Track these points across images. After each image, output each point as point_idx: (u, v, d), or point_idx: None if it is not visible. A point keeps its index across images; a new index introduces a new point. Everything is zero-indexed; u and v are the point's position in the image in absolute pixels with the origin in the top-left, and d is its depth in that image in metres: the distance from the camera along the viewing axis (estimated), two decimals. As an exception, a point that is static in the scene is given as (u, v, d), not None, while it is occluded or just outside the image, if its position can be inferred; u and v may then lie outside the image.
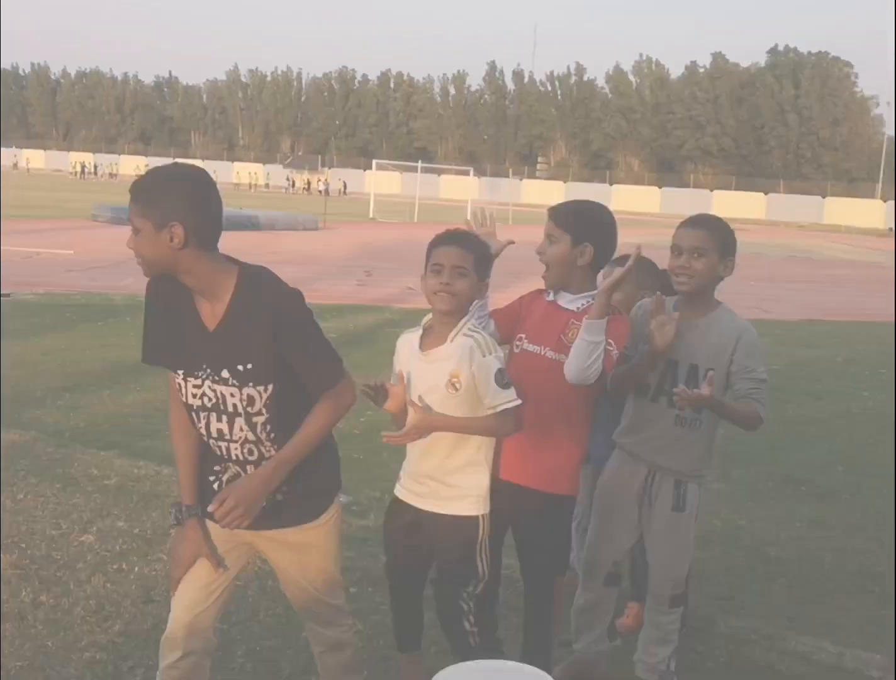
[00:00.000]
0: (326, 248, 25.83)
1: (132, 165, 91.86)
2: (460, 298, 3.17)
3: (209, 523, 2.90)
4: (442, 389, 3.16)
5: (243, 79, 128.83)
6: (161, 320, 2.80)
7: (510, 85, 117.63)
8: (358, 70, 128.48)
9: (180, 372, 2.77)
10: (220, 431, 2.77)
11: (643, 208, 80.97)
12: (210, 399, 2.74)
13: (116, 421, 7.44)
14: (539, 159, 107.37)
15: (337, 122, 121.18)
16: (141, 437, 7.01)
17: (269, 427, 2.76)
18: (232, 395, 2.71)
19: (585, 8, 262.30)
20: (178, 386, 2.80)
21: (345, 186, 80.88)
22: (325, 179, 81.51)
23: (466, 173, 61.65)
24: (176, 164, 2.81)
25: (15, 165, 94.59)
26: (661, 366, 3.51)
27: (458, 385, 3.14)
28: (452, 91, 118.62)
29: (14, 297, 13.91)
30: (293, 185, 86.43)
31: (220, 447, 2.81)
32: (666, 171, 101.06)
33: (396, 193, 67.47)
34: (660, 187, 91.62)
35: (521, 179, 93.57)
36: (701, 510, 6.08)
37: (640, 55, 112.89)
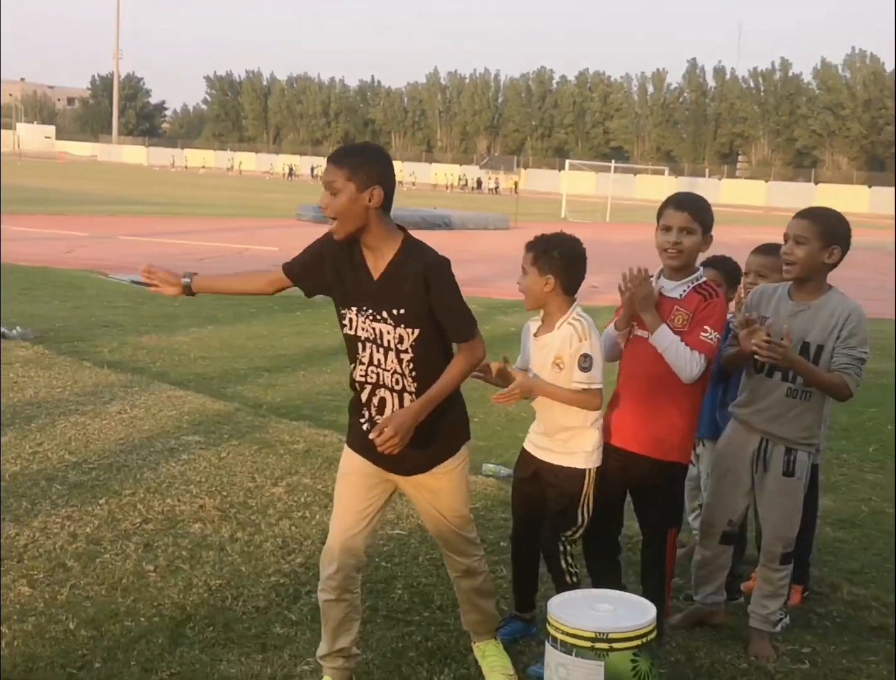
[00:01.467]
0: (515, 248, 26.41)
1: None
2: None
3: (362, 461, 3.52)
4: (549, 368, 3.79)
5: (442, 81, 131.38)
6: (327, 260, 3.41)
7: (711, 82, 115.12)
8: (556, 70, 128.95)
9: (353, 308, 3.39)
10: (378, 360, 3.38)
11: (850, 208, 77.16)
12: (371, 333, 3.37)
13: (307, 397, 8.28)
14: (739, 158, 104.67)
15: (533, 123, 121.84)
16: (328, 411, 7.79)
17: (411, 365, 3.35)
18: (388, 332, 3.33)
19: (791, 2, 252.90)
20: (346, 322, 3.41)
21: (515, 186, 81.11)
22: (496, 179, 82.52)
23: (662, 173, 61.12)
24: (366, 142, 3.55)
25: (230, 168, 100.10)
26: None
27: (561, 365, 3.76)
28: (651, 89, 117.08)
29: (224, 288, 15.16)
30: (478, 185, 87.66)
31: (376, 374, 3.40)
32: (876, 169, 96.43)
33: (590, 194, 67.48)
34: (869, 186, 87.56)
35: (719, 179, 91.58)
36: (851, 496, 6.35)
37: (853, 49, 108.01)
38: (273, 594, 4.41)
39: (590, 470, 3.83)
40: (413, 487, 3.57)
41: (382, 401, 3.43)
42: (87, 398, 7.58)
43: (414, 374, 3.36)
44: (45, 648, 3.83)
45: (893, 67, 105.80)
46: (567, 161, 60.99)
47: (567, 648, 3.09)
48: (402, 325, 3.31)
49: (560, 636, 3.11)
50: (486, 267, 20.78)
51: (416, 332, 3.31)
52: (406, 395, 3.38)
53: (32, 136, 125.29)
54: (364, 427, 3.48)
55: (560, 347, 3.74)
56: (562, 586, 3.81)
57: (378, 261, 3.34)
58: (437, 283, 3.29)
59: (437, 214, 33.37)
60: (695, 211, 3.89)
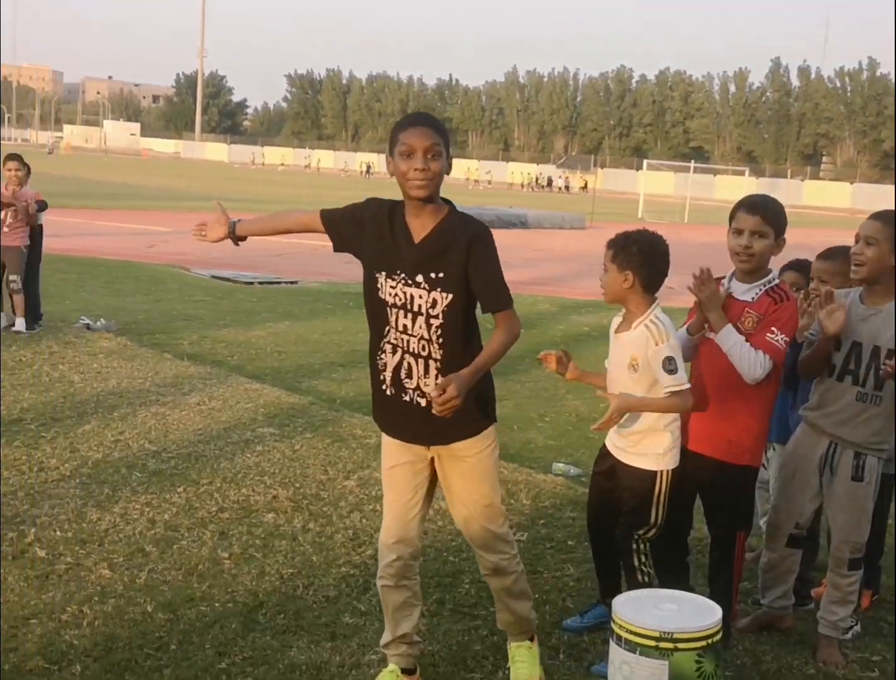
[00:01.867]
0: (591, 247, 26.33)
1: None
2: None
3: (397, 447, 3.56)
4: (624, 368, 3.81)
5: (521, 80, 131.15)
6: (364, 222, 3.48)
7: (795, 82, 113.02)
8: (635, 69, 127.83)
9: (383, 272, 3.43)
10: (405, 325, 3.41)
11: (937, 212, 75.36)
12: (400, 298, 3.40)
13: (381, 393, 8.35)
14: (823, 159, 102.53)
15: (611, 122, 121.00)
16: (401, 407, 7.87)
17: (439, 331, 3.38)
18: (420, 296, 3.37)
19: (879, 1, 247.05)
20: (378, 286, 3.43)
21: (586, 184, 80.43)
22: (566, 177, 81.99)
23: (742, 173, 60.20)
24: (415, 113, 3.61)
25: (308, 166, 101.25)
26: (846, 348, 3.86)
27: (636, 366, 3.77)
28: (732, 89, 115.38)
29: (301, 284, 15.42)
30: (549, 183, 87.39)
31: (402, 339, 3.44)
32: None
33: (668, 194, 66.76)
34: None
35: (802, 180, 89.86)
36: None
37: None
38: (343, 584, 4.50)
39: (661, 472, 3.83)
40: (443, 467, 3.56)
41: (409, 366, 3.44)
42: (167, 389, 7.78)
43: (441, 340, 3.39)
44: (124, 629, 3.97)
45: (894, 68, 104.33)
46: (645, 161, 60.43)
47: (631, 647, 3.11)
48: (438, 289, 3.34)
49: (625, 634, 3.13)
50: (561, 266, 20.74)
51: (450, 297, 3.35)
52: (431, 362, 3.41)
53: (118, 133, 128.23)
54: (387, 392, 3.50)
55: (636, 349, 3.76)
56: (633, 584, 3.85)
57: (423, 226, 3.40)
58: (480, 251, 3.34)
59: (513, 213, 33.35)
60: (767, 214, 3.87)
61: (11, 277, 9.70)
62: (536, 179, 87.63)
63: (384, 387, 3.52)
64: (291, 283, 15.44)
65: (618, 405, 3.72)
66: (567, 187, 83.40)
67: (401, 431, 3.55)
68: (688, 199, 47.04)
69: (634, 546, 3.90)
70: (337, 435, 6.84)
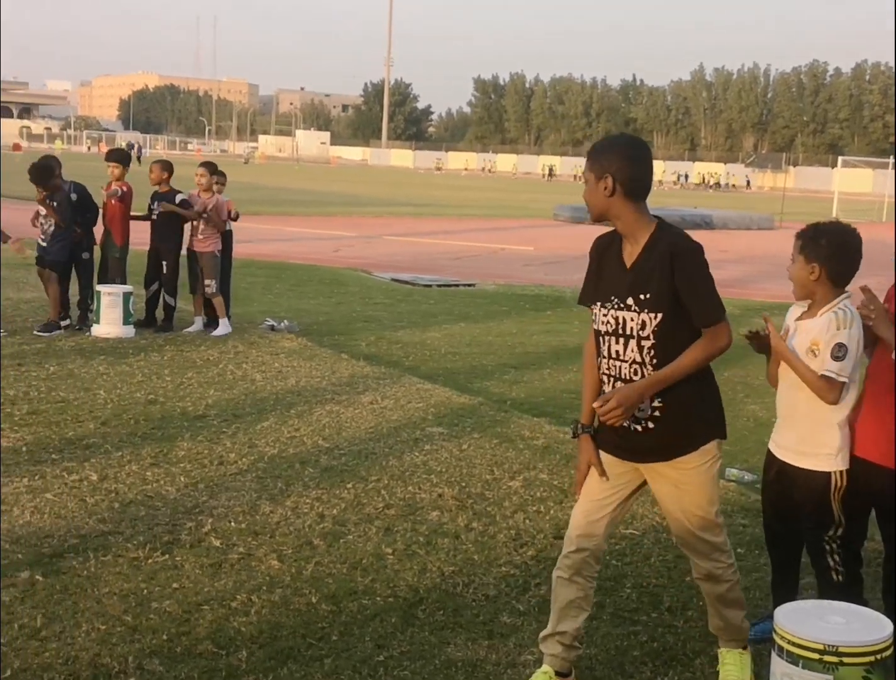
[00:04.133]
0: (779, 248, 25.40)
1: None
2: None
3: (606, 456, 3.53)
4: (804, 354, 3.68)
5: (708, 78, 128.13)
6: (593, 268, 3.53)
7: None
8: (830, 63, 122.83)
9: (598, 303, 3.45)
10: (616, 351, 3.40)
11: None
12: (611, 325, 3.40)
13: (551, 395, 8.34)
14: None
15: (804, 118, 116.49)
16: (571, 410, 7.81)
17: (652, 352, 3.33)
18: (631, 319, 3.34)
19: None
20: (593, 317, 3.48)
21: (748, 183, 77.48)
22: (747, 176, 79.32)
23: (947, 169, 56.73)
24: (622, 133, 3.63)
25: (484, 169, 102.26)
26: None
27: (816, 352, 3.65)
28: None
29: (478, 286, 15.54)
30: (717, 184, 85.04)
31: (615, 366, 3.42)
32: None
33: (866, 191, 63.72)
34: None
35: None
36: None
37: None
38: (503, 584, 4.50)
39: (834, 473, 3.70)
40: (657, 478, 3.51)
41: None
42: (342, 388, 7.99)
43: (655, 361, 3.34)
44: (289, 618, 4.10)
45: (894, 68, 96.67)
46: (840, 158, 57.87)
47: (793, 659, 2.99)
48: (646, 310, 3.32)
49: (787, 646, 3.01)
50: (747, 268, 20.15)
51: (659, 316, 3.30)
52: None
53: (309, 142, 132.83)
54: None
55: (818, 334, 3.66)
56: (826, 584, 3.76)
57: (632, 248, 3.39)
58: (684, 265, 3.29)
59: (698, 214, 32.60)
60: None
61: (206, 282, 10.16)
62: (704, 179, 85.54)
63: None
64: (469, 285, 15.59)
65: (773, 336, 3.70)
66: (748, 184, 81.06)
67: (617, 449, 3.51)
68: (886, 198, 44.71)
69: (827, 548, 3.78)
70: (505, 436, 6.85)
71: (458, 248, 22.24)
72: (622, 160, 3.32)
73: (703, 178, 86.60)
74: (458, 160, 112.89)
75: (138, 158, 53.95)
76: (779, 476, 3.87)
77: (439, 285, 15.34)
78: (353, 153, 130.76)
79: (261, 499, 5.43)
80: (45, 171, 9.78)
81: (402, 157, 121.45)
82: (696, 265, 3.30)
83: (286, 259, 17.78)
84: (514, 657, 3.85)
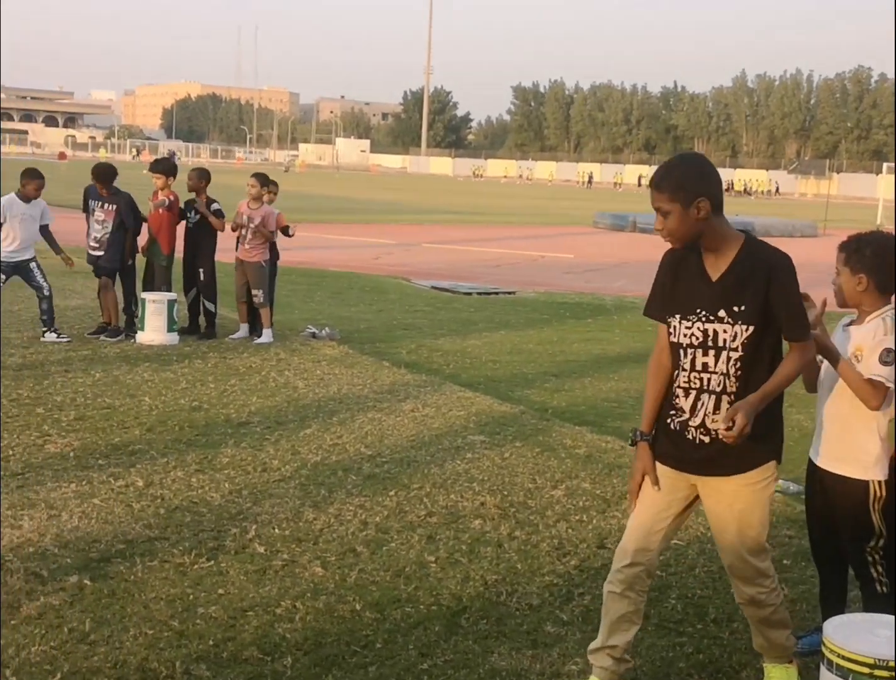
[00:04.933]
0: (822, 256, 25.13)
1: (635, 174, 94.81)
2: None
3: (662, 467, 3.52)
4: (848, 360, 3.66)
5: (750, 84, 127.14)
6: (666, 281, 3.50)
7: None
8: (874, 68, 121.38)
9: (676, 316, 3.43)
10: (704, 364, 3.38)
11: None
12: (698, 338, 3.38)
13: (593, 403, 8.31)
14: None
15: (848, 124, 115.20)
16: (612, 418, 7.79)
17: (738, 364, 3.32)
18: (724, 331, 3.33)
19: None
20: (671, 330, 3.45)
21: (777, 189, 76.66)
22: (776, 181, 78.82)
23: None
24: (680, 154, 3.56)
25: (520, 176, 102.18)
26: None
27: (859, 357, 3.64)
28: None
29: (519, 294, 15.53)
30: (745, 190, 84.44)
31: (699, 379, 3.39)
32: None
33: (911, 198, 62.77)
34: None
35: None
36: None
37: None
38: (546, 593, 4.49)
39: (873, 482, 3.66)
40: (711, 494, 3.49)
41: (701, 405, 3.40)
42: (384, 396, 8.02)
43: (739, 374, 3.33)
44: (333, 625, 4.12)
45: (894, 68, 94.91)
46: (885, 164, 57.14)
47: (843, 673, 2.95)
48: (739, 322, 3.31)
49: (836, 660, 2.97)
50: (789, 276, 19.91)
51: (751, 329, 3.30)
52: (724, 396, 3.36)
53: (349, 150, 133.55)
54: (671, 426, 3.48)
55: (862, 339, 3.66)
56: (871, 596, 3.72)
57: (718, 262, 3.37)
58: (780, 279, 3.29)
59: (739, 221, 32.23)
60: None
61: (254, 292, 10.24)
62: (732, 186, 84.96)
63: (668, 421, 3.51)
64: (509, 293, 15.58)
65: (816, 322, 3.58)
66: (777, 190, 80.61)
67: (674, 460, 3.50)
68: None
69: (870, 558, 3.75)
70: (546, 444, 6.84)
71: (497, 255, 22.24)
72: (707, 179, 3.32)
73: (745, 186, 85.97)
74: (498, 168, 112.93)
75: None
76: (821, 486, 3.84)
77: (479, 293, 15.35)
78: (393, 161, 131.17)
79: (304, 506, 5.46)
80: (110, 171, 10.11)
81: (441, 164, 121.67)
82: (790, 278, 3.31)
83: (327, 266, 17.88)
84: (558, 667, 3.84)
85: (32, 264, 9.67)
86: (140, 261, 10.37)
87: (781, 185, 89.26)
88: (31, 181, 9.58)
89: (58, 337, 9.60)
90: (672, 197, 3.28)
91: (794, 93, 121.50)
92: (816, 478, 3.85)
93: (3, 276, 9.51)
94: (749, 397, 3.25)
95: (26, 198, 9.58)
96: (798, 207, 56.43)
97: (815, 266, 21.70)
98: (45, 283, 9.67)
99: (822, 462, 3.79)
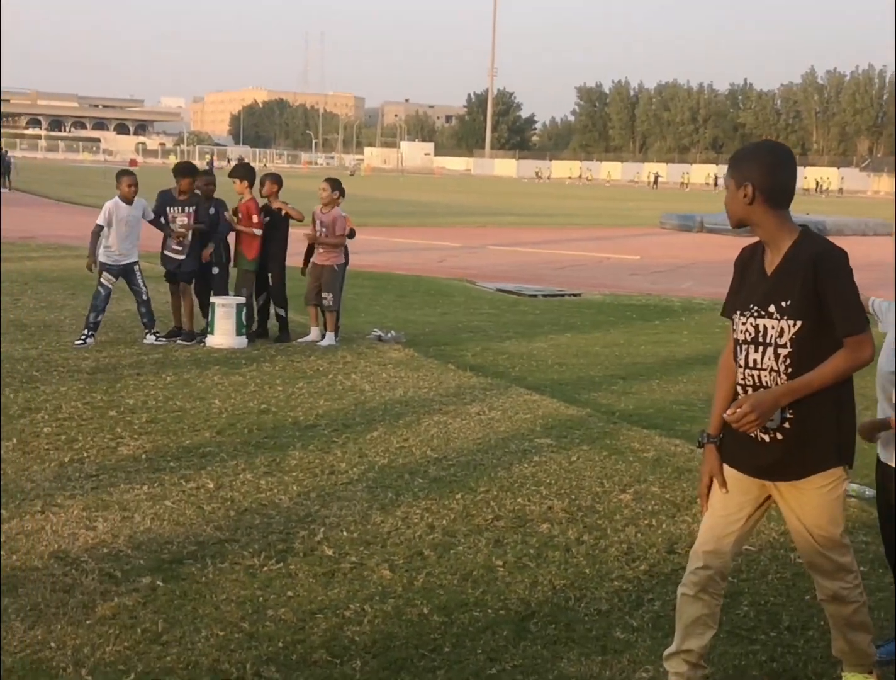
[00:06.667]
0: (896, 254, 24.59)
1: (703, 174, 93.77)
2: None
3: (730, 470, 3.46)
4: None
5: (820, 81, 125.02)
6: (735, 279, 3.49)
7: None
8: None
9: (737, 312, 3.40)
10: (754, 360, 3.33)
11: None
12: (750, 333, 3.34)
13: (661, 406, 8.22)
14: None
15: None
16: (681, 421, 7.70)
17: (788, 360, 3.25)
18: (772, 326, 3.28)
19: None
20: (733, 327, 3.42)
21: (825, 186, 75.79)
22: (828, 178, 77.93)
23: None
24: (766, 140, 3.58)
25: (579, 177, 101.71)
26: None
27: None
28: None
29: (584, 296, 15.44)
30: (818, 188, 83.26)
31: (752, 375, 3.35)
32: None
33: None
34: None
35: None
36: None
37: None
38: (615, 599, 4.44)
39: None
40: (782, 496, 3.43)
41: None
42: (449, 399, 8.02)
43: (790, 371, 3.26)
44: (402, 628, 4.12)
45: (894, 68, 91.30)
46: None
47: (923, 685, 2.88)
48: (786, 317, 3.25)
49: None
50: (862, 275, 19.41)
51: (799, 324, 3.24)
52: None
53: (414, 153, 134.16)
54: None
55: None
56: None
57: (774, 256, 3.35)
58: (827, 271, 3.21)
59: (810, 220, 31.72)
60: None
61: (324, 294, 10.29)
62: (818, 185, 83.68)
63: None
64: (574, 295, 15.49)
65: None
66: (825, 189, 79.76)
67: (743, 465, 3.44)
68: None
69: None
70: (614, 448, 6.78)
71: (562, 257, 22.15)
72: (763, 168, 3.29)
73: (817, 184, 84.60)
74: (562, 169, 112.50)
75: (210, 169, 55.19)
76: (885, 484, 3.75)
77: (545, 295, 15.29)
78: (457, 163, 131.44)
79: (371, 508, 5.48)
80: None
81: (505, 166, 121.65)
82: (840, 271, 3.22)
83: (392, 270, 17.95)
84: (628, 674, 3.80)
85: (136, 267, 9.99)
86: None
87: (854, 183, 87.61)
88: (120, 180, 9.87)
89: (157, 339, 9.94)
90: (731, 173, 3.37)
91: (867, 89, 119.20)
92: (880, 474, 3.75)
93: (113, 278, 9.88)
94: (770, 389, 3.22)
95: (127, 200, 9.82)
96: (874, 207, 55.24)
97: (890, 265, 21.29)
98: (144, 288, 9.97)
99: (887, 457, 3.69)
